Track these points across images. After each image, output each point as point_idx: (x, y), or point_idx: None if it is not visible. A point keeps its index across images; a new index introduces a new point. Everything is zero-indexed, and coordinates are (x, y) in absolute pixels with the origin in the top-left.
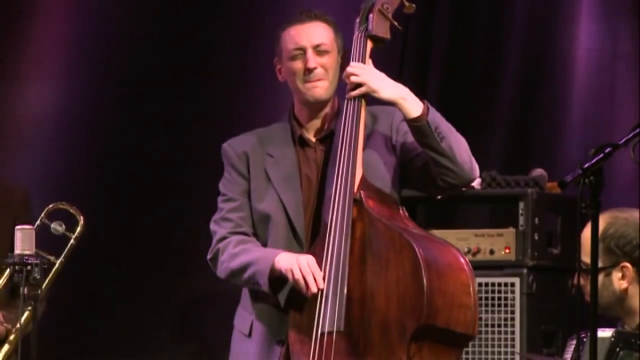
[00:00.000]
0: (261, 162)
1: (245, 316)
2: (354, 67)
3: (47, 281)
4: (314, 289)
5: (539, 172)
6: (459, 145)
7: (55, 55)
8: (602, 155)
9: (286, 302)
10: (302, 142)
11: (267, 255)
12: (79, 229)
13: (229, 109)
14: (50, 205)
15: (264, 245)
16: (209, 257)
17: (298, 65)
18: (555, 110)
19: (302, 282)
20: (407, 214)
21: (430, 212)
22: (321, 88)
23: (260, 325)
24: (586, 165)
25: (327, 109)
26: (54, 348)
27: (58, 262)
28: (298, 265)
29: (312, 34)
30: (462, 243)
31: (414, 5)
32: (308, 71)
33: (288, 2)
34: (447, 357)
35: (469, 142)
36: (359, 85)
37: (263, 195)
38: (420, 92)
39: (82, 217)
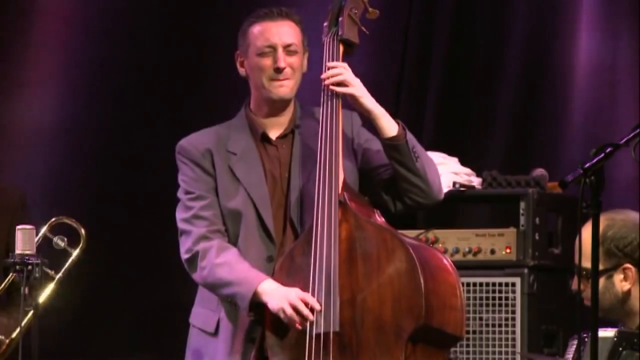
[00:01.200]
0: (225, 159)
1: (207, 314)
2: (341, 65)
3: (43, 295)
4: (311, 319)
5: (539, 171)
6: (430, 167)
7: (55, 58)
8: (602, 155)
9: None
10: (264, 139)
11: (249, 279)
12: (80, 245)
13: (227, 112)
14: (53, 219)
15: (234, 241)
16: (186, 256)
17: (267, 62)
18: (556, 110)
19: (295, 319)
20: (382, 217)
21: (431, 212)
22: (287, 87)
23: (228, 323)
24: (587, 165)
25: (288, 108)
26: (53, 348)
27: (57, 277)
28: (289, 303)
29: (284, 33)
30: (463, 243)
31: (377, 11)
32: (277, 70)
33: (288, 2)
34: (437, 357)
35: (470, 142)
36: (342, 84)
37: (231, 193)
38: (421, 93)
39: (84, 231)
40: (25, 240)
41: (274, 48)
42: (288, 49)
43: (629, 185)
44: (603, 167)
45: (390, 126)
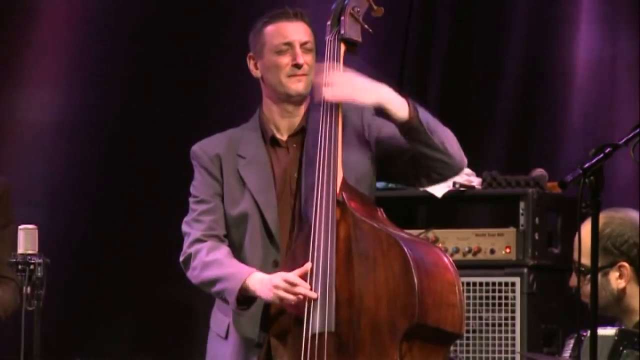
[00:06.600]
0: (233, 164)
1: (221, 318)
2: (331, 76)
3: None
4: (313, 295)
5: (539, 172)
6: (448, 137)
7: (56, 59)
8: (602, 155)
9: (265, 307)
10: (273, 142)
11: (237, 274)
12: None
13: (227, 114)
14: None
15: (240, 247)
16: (180, 259)
17: (284, 59)
18: (556, 110)
19: (290, 298)
20: (384, 215)
21: (431, 212)
22: (304, 82)
23: (237, 327)
24: (586, 165)
25: (300, 108)
26: (54, 347)
27: None
28: (279, 287)
29: (300, 32)
30: (462, 242)
31: (382, 8)
32: (296, 66)
33: (289, 3)
34: (436, 355)
35: (470, 142)
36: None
37: (237, 198)
38: (421, 92)
39: None
40: (27, 239)
41: (291, 45)
42: (304, 47)
43: (628, 185)
44: (602, 167)
45: (400, 109)
